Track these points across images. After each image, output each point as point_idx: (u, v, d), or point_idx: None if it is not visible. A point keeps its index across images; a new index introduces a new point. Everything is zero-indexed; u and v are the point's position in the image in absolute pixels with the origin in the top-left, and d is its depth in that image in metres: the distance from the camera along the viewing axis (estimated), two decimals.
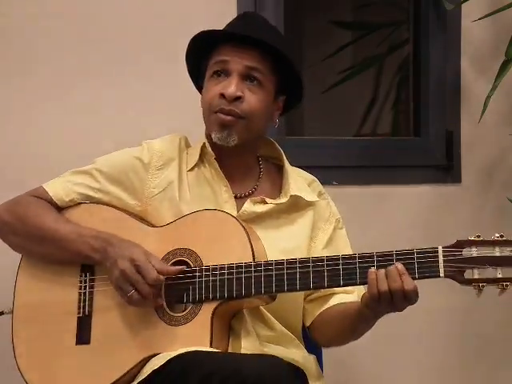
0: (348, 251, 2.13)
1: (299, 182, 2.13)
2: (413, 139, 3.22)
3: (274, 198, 2.10)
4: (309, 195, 2.12)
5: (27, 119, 2.60)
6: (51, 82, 2.61)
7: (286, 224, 2.10)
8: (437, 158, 3.12)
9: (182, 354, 1.86)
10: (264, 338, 1.99)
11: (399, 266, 1.86)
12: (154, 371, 1.88)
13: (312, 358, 2.10)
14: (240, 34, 2.03)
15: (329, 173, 2.17)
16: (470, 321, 2.33)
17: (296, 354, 2.04)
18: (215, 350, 1.89)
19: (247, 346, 1.95)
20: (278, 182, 2.15)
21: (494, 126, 3.11)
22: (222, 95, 2.00)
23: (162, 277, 1.93)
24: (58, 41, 2.62)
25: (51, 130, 2.61)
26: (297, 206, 2.11)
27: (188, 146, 2.16)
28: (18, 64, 2.59)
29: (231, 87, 2.00)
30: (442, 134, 3.11)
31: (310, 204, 2.12)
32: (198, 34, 2.08)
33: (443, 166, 3.12)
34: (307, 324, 2.12)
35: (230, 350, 1.95)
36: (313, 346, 2.15)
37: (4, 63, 2.58)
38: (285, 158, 2.17)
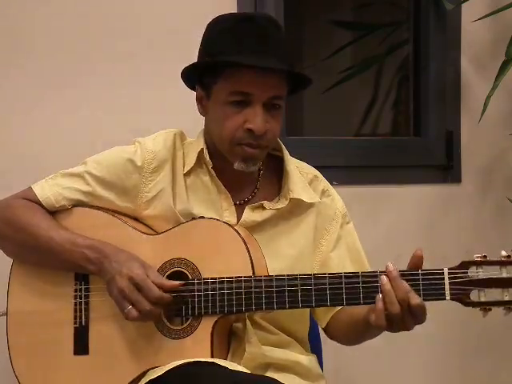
0: (357, 247, 2.10)
1: (300, 181, 2.07)
2: (413, 139, 3.22)
3: (274, 199, 2.05)
4: (310, 196, 2.06)
5: (16, 119, 2.58)
6: (42, 82, 2.59)
7: (287, 230, 2.05)
8: (437, 158, 3.12)
9: (180, 365, 1.85)
10: (264, 341, 1.98)
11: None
12: (151, 380, 1.87)
13: (313, 358, 2.09)
14: (264, 67, 1.91)
15: (329, 173, 2.15)
16: (470, 320, 2.33)
17: (296, 355, 2.03)
18: (215, 361, 1.86)
19: (251, 350, 1.94)
20: (277, 179, 2.09)
21: (494, 126, 3.12)
22: (250, 130, 1.93)
23: (165, 295, 1.89)
24: (48, 40, 2.60)
25: (41, 130, 2.60)
26: (297, 208, 2.06)
27: (184, 140, 2.09)
28: (7, 62, 2.58)
29: (259, 123, 1.93)
30: (442, 134, 3.12)
31: (311, 205, 2.07)
32: (215, 59, 1.94)
33: (443, 165, 3.13)
34: (322, 326, 2.10)
35: (233, 355, 1.95)
36: (313, 346, 2.15)
37: None
38: (284, 148, 2.10)
